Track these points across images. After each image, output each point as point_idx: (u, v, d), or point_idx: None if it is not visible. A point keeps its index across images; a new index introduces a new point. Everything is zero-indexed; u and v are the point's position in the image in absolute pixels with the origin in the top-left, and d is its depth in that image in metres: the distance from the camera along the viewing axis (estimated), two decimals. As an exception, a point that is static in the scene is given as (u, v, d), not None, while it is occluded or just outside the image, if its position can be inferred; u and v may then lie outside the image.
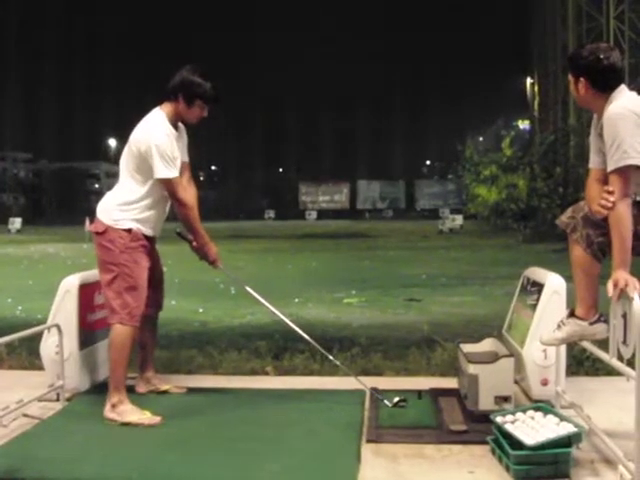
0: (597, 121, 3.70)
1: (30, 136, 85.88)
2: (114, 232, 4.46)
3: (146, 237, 4.56)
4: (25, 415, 4.34)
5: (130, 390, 4.59)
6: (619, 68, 3.66)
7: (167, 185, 4.44)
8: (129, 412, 4.29)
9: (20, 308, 9.45)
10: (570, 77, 3.75)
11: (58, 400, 4.64)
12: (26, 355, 5.79)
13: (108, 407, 4.34)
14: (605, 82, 3.60)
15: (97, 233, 4.52)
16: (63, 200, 73.38)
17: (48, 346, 4.71)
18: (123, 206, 4.50)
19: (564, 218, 3.80)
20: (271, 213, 67.40)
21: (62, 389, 4.64)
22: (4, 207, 67.04)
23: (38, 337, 4.77)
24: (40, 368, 4.92)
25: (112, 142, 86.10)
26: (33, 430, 4.16)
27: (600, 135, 3.61)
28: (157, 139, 4.39)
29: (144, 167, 4.44)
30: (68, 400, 4.68)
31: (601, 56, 3.59)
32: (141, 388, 4.85)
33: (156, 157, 4.37)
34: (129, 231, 4.47)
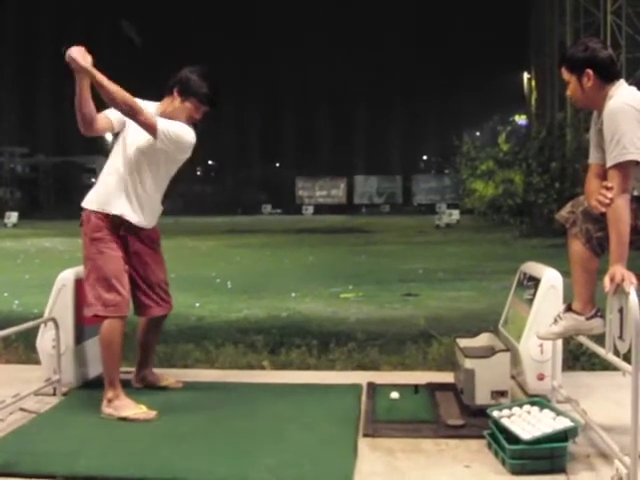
0: (597, 117, 3.70)
1: (27, 131, 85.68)
2: (85, 222, 4.47)
3: (116, 227, 4.47)
4: (22, 409, 4.35)
5: (127, 384, 4.60)
6: (616, 59, 3.72)
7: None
8: (125, 407, 4.29)
9: (16, 302, 9.44)
10: (569, 77, 3.71)
11: (55, 394, 4.64)
12: (23, 349, 5.79)
13: (104, 402, 4.34)
14: (609, 71, 3.61)
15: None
16: (60, 194, 73.18)
17: (45, 340, 4.71)
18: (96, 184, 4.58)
19: (564, 213, 3.80)
20: (269, 208, 67.45)
21: (59, 383, 4.64)
22: (0, 201, 66.93)
23: (35, 331, 4.77)
24: (37, 362, 4.91)
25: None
26: (29, 424, 4.16)
27: (600, 130, 3.61)
28: None
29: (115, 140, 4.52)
30: (64, 394, 4.69)
31: (600, 46, 3.64)
32: (137, 384, 4.85)
33: None
34: (88, 220, 4.45)
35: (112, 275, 4.39)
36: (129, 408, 4.28)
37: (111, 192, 4.48)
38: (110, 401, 4.32)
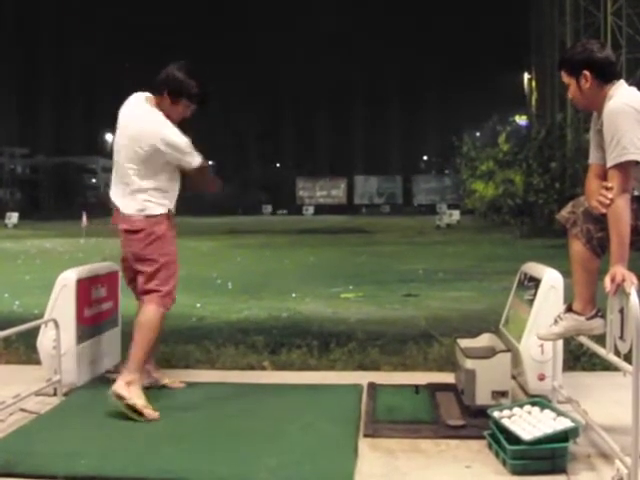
0: (597, 117, 3.69)
1: (27, 131, 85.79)
2: (153, 224, 4.58)
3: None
4: (22, 410, 4.34)
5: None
6: (615, 60, 3.72)
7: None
8: (139, 396, 4.29)
9: (17, 303, 9.44)
10: (568, 79, 3.72)
11: (55, 395, 4.64)
12: (23, 350, 5.78)
13: (122, 384, 4.30)
14: (606, 71, 3.61)
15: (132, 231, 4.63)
16: (60, 195, 73.27)
17: (45, 341, 4.70)
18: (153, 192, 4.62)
19: (564, 213, 3.80)
20: (270, 208, 67.55)
21: (59, 384, 4.64)
22: (1, 202, 66.99)
23: (35, 332, 4.77)
24: (37, 363, 4.91)
25: (109, 137, 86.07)
26: (30, 425, 4.15)
27: (600, 131, 3.60)
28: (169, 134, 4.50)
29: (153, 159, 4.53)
30: (65, 395, 4.68)
31: (597, 47, 3.64)
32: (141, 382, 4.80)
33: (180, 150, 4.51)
34: (158, 223, 4.60)
35: (177, 272, 4.65)
36: (141, 398, 4.28)
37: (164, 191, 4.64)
38: (129, 384, 4.30)
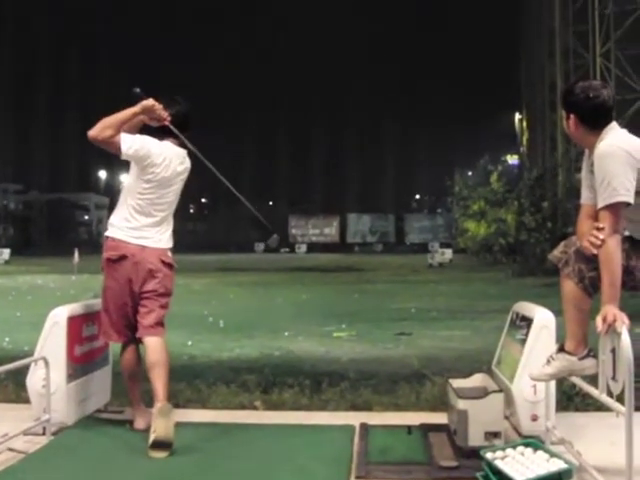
0: (589, 157, 3.73)
1: (21, 167, 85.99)
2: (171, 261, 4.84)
3: None
4: (10, 449, 4.28)
5: (123, 423, 4.57)
6: (610, 106, 3.67)
7: None
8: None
9: (7, 340, 9.37)
10: (563, 112, 3.80)
11: (44, 434, 4.58)
12: (13, 388, 5.72)
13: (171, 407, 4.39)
14: (595, 120, 3.64)
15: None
16: (52, 231, 73.20)
17: (35, 379, 4.66)
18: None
19: (556, 252, 3.81)
20: (262, 246, 67.44)
21: (48, 423, 4.58)
22: (-7, 238, 66.78)
23: (25, 369, 4.73)
24: (27, 401, 4.86)
25: (102, 174, 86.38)
26: (18, 465, 4.09)
27: (592, 171, 3.63)
28: None
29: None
30: (54, 434, 4.62)
31: (591, 95, 3.63)
32: (140, 424, 4.69)
33: None
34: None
35: None
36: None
37: None
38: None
